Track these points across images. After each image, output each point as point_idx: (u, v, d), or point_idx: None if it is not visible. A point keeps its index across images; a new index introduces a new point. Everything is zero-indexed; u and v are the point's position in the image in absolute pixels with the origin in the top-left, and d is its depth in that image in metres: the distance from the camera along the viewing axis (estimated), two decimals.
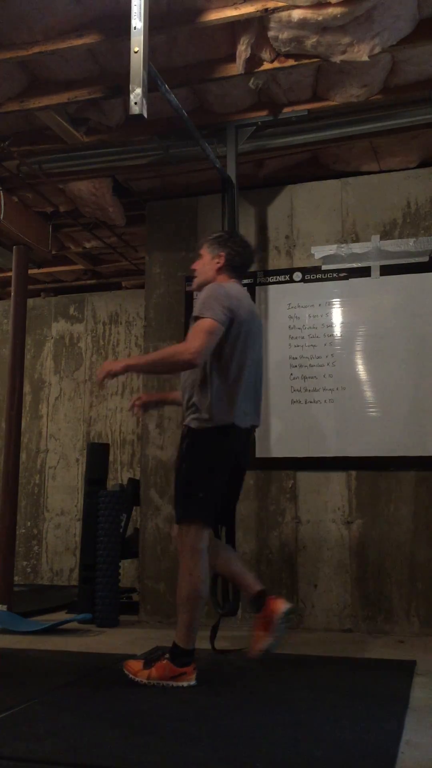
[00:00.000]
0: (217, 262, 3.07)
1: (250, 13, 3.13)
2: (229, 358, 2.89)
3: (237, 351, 2.91)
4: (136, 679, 2.77)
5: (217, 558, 3.00)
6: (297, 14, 3.11)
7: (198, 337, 2.77)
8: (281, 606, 2.82)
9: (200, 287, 3.13)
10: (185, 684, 2.73)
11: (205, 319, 2.81)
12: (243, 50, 3.38)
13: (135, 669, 2.81)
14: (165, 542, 4.41)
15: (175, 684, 2.72)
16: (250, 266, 3.26)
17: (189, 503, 2.88)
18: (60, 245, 5.64)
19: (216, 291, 2.90)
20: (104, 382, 2.86)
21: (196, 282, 3.17)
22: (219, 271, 3.07)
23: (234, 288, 3.01)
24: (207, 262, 3.11)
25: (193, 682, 2.75)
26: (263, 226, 4.54)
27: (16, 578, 5.13)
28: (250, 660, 3.01)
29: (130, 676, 2.79)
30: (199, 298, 2.93)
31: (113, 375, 2.84)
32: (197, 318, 2.84)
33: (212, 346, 2.80)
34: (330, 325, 4.28)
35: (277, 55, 3.44)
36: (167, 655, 2.79)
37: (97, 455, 4.80)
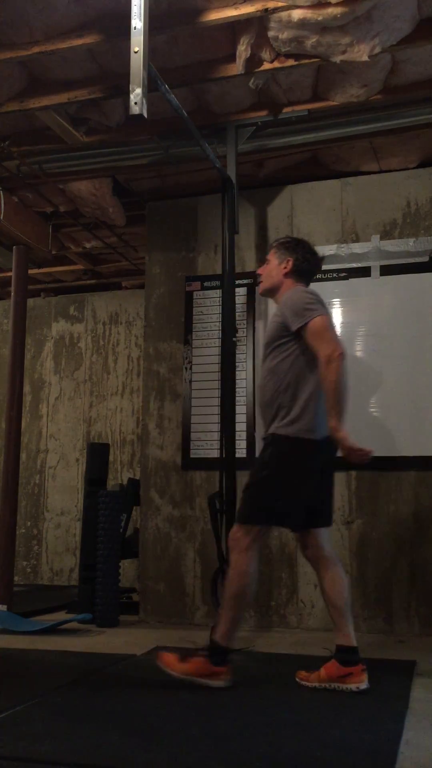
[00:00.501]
0: (285, 268, 3.06)
1: (250, 13, 3.13)
2: (313, 363, 2.85)
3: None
4: (171, 672, 2.71)
5: (334, 585, 2.85)
6: (297, 14, 3.11)
7: (324, 337, 2.79)
8: (361, 681, 2.69)
9: (266, 292, 3.15)
10: (218, 684, 2.67)
11: (313, 320, 2.81)
12: (243, 50, 3.38)
13: (170, 662, 2.73)
14: (165, 542, 4.42)
15: (208, 683, 2.66)
16: (317, 273, 3.24)
17: (260, 508, 2.83)
18: (60, 245, 5.64)
19: (301, 293, 2.92)
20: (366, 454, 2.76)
21: (262, 287, 3.17)
22: (286, 276, 3.06)
23: (309, 289, 3.02)
24: (274, 267, 3.09)
25: (226, 684, 2.68)
26: (263, 226, 4.54)
27: (16, 578, 5.13)
28: (250, 660, 3.00)
29: (164, 668, 2.73)
30: (288, 308, 2.90)
31: (359, 448, 2.72)
32: (305, 325, 2.81)
33: (336, 335, 2.83)
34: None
35: (277, 55, 3.44)
36: (205, 652, 2.72)
37: (97, 455, 4.80)
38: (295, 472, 2.83)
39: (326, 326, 2.82)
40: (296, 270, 3.06)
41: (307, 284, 3.11)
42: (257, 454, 4.25)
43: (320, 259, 3.21)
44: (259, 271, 3.21)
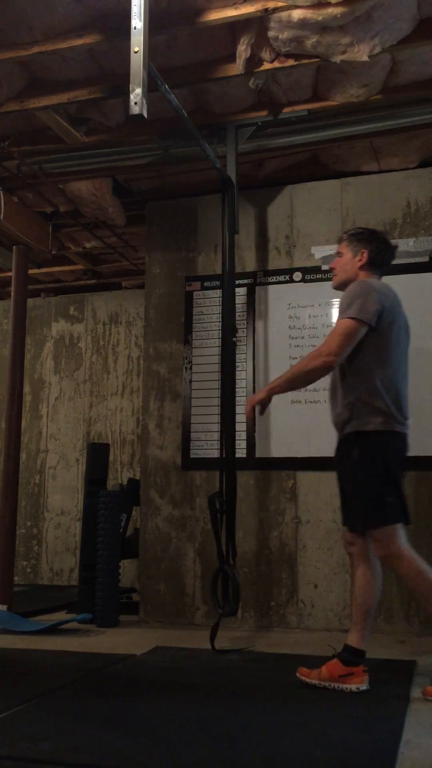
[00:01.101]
0: (359, 260, 3.02)
1: (250, 13, 3.13)
2: (384, 355, 2.85)
3: (390, 347, 2.87)
4: None
5: (367, 585, 2.84)
6: (297, 14, 3.10)
7: (334, 339, 2.77)
8: (361, 682, 2.69)
9: (341, 286, 3.08)
10: None
11: (344, 320, 2.78)
12: (243, 50, 3.38)
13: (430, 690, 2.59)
14: (165, 542, 4.42)
15: None
16: (391, 263, 3.18)
17: (376, 508, 2.79)
18: (60, 245, 5.64)
19: (361, 288, 2.86)
20: (256, 413, 2.86)
21: (336, 280, 3.11)
22: (361, 268, 3.02)
23: (378, 283, 2.97)
24: (348, 261, 3.05)
25: None
26: (263, 226, 4.54)
27: (16, 578, 5.13)
28: (250, 660, 2.99)
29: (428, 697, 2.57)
30: (344, 298, 2.88)
31: (261, 404, 2.86)
32: (341, 318, 2.81)
33: (350, 346, 2.78)
34: (330, 325, 4.27)
35: (277, 55, 3.44)
36: None
37: (97, 455, 4.80)
38: (387, 463, 2.83)
39: (347, 332, 2.77)
40: (371, 262, 3.01)
41: (381, 276, 3.06)
42: (257, 454, 4.28)
43: (394, 249, 3.14)
44: (331, 265, 3.16)
